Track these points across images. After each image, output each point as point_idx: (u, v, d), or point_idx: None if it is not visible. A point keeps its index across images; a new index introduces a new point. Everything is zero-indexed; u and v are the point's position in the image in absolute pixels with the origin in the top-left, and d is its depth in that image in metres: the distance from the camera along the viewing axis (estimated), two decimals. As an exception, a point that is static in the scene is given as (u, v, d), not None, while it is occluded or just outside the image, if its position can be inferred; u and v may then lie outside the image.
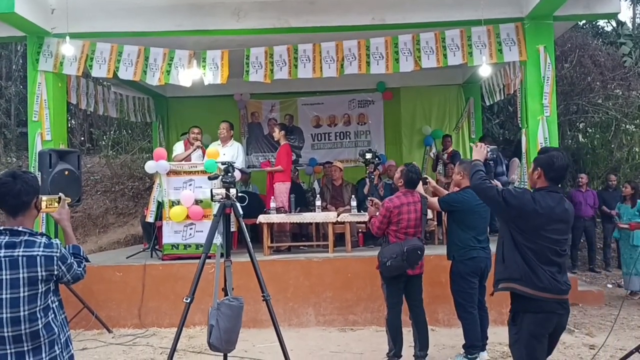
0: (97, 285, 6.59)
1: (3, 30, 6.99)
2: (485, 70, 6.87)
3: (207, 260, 6.37)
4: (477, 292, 5.06)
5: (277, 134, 7.94)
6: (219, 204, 3.98)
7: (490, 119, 12.75)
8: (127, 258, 7.33)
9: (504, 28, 6.66)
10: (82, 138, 15.95)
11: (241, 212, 4.05)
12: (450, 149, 9.96)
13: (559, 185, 3.37)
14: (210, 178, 4.26)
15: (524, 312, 3.27)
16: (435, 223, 7.91)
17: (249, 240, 3.91)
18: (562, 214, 3.26)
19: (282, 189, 7.67)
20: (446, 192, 5.71)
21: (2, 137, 15.32)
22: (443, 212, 6.73)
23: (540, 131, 6.57)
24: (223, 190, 3.90)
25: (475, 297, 5.03)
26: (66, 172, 6.22)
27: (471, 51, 6.66)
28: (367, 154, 6.81)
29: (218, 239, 3.86)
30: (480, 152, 3.83)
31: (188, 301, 3.89)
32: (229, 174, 3.91)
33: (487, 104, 10.57)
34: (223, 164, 3.97)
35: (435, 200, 5.19)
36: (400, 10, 6.84)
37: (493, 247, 5.25)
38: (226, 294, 3.90)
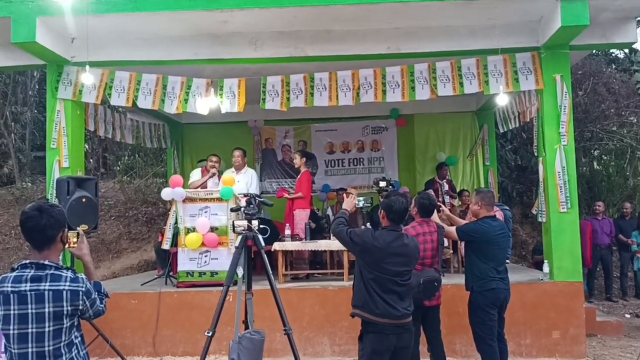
0: (112, 313, 6.47)
1: (24, 59, 7.07)
2: (502, 99, 6.86)
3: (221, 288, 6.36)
4: (497, 324, 5.00)
5: (298, 160, 7.97)
6: (240, 236, 3.97)
7: (503, 145, 12.71)
8: (141, 285, 7.32)
9: (520, 57, 6.67)
10: (96, 164, 16.04)
11: (263, 244, 4.03)
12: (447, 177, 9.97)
13: (400, 225, 3.95)
14: (232, 210, 4.25)
15: (367, 332, 3.82)
16: (451, 251, 7.84)
17: (270, 272, 3.89)
18: (399, 248, 3.80)
19: (302, 215, 7.67)
20: (461, 220, 5.68)
21: (17, 162, 15.45)
22: (459, 241, 6.69)
23: (558, 160, 6.53)
24: (245, 222, 3.90)
25: (494, 329, 4.95)
26: (83, 200, 6.23)
27: (487, 80, 6.66)
28: (381, 182, 6.80)
29: (240, 271, 3.84)
30: (349, 202, 4.35)
31: (210, 334, 3.85)
32: (251, 206, 3.91)
33: (501, 131, 10.54)
34: (245, 195, 3.97)
35: (452, 229, 5.15)
36: (415, 40, 6.87)
37: (512, 278, 5.25)
38: (247, 327, 3.86)
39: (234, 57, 7.07)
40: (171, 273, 7.38)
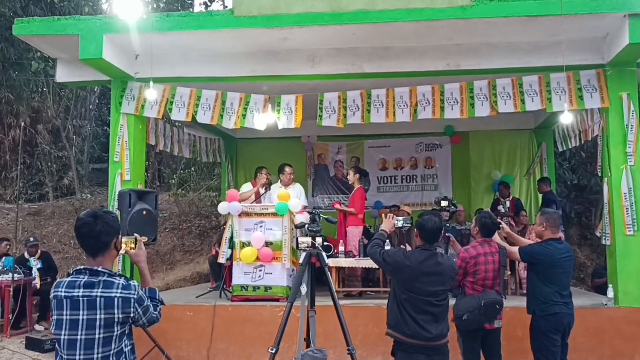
0: (168, 324, 6.63)
1: (89, 75, 7.31)
2: (567, 118, 6.65)
3: (277, 304, 6.36)
4: (560, 350, 4.81)
5: (352, 177, 7.95)
6: (304, 253, 3.97)
7: (561, 164, 12.37)
8: (196, 297, 7.39)
9: (585, 75, 6.49)
10: (152, 177, 16.42)
11: (327, 261, 4.02)
12: (511, 197, 9.72)
13: (434, 244, 3.94)
14: (297, 227, 4.26)
15: (398, 350, 3.86)
16: (509, 272, 7.62)
17: (334, 290, 3.87)
18: (432, 267, 3.80)
19: (355, 233, 7.61)
20: (523, 239, 5.52)
21: (77, 174, 15.95)
22: (518, 262, 6.50)
23: (624, 181, 6.30)
24: (309, 239, 3.90)
25: (557, 355, 4.75)
26: (144, 212, 6.37)
27: (550, 97, 6.49)
28: (442, 202, 6.72)
29: (304, 288, 3.84)
30: (388, 223, 4.29)
31: (274, 352, 3.84)
32: (316, 223, 3.90)
33: (561, 150, 10.26)
34: (310, 213, 3.98)
35: (515, 250, 4.99)
36: (476, 56, 6.78)
37: (574, 302, 5.05)
38: (309, 345, 3.84)
39: (292, 74, 7.13)
40: (224, 286, 7.44)
